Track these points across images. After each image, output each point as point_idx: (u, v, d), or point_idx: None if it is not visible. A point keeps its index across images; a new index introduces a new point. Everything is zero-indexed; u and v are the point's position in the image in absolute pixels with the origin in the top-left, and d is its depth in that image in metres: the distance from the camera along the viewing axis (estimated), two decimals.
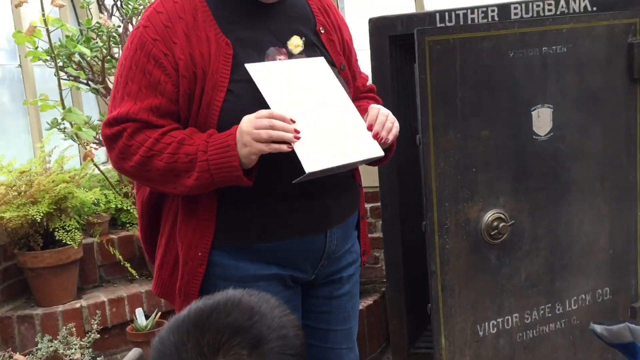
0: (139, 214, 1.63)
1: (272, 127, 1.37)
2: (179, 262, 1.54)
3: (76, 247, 2.81)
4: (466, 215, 2.10)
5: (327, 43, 1.61)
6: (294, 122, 1.40)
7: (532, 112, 2.16)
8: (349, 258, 1.68)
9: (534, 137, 2.17)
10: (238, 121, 1.41)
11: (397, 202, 2.46)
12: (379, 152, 1.51)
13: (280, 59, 1.51)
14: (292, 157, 1.39)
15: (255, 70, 1.44)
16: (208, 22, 1.47)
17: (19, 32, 2.63)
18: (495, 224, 2.12)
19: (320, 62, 1.56)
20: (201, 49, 1.45)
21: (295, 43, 1.55)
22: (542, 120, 2.18)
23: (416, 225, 2.29)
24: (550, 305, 2.25)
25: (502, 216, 2.13)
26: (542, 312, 2.24)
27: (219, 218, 1.50)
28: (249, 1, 1.52)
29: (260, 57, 1.49)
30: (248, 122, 1.39)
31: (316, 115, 1.46)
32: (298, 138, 1.38)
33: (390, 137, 1.55)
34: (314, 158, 1.39)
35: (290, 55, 1.53)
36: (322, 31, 1.60)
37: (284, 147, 1.38)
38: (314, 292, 1.66)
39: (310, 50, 1.57)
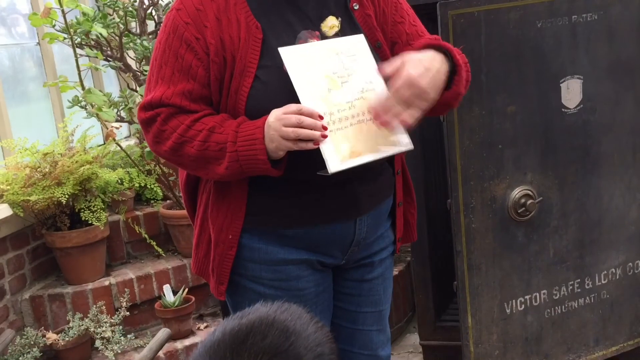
0: (182, 191, 1.65)
1: (300, 125, 1.33)
2: (212, 243, 1.54)
3: (102, 228, 2.83)
4: (492, 193, 2.06)
5: (362, 19, 1.52)
6: (322, 118, 1.36)
7: (561, 84, 2.09)
8: (381, 243, 1.65)
9: (563, 110, 2.10)
10: (265, 109, 1.38)
11: (422, 180, 2.43)
12: (408, 145, 1.46)
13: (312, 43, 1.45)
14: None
15: (289, 54, 1.38)
16: (239, 4, 1.43)
17: (35, 14, 2.59)
18: (522, 201, 2.07)
19: (358, 40, 1.47)
20: (231, 33, 1.41)
21: (331, 24, 1.48)
22: (572, 92, 2.10)
23: (441, 202, 2.26)
24: (579, 280, 2.21)
25: (530, 193, 2.09)
26: (570, 287, 2.21)
27: (249, 203, 1.49)
28: None
29: (292, 41, 1.44)
30: (275, 118, 1.35)
31: (347, 105, 1.41)
32: (325, 136, 1.35)
33: (397, 121, 1.36)
34: (339, 158, 1.36)
35: (324, 38, 1.47)
36: (356, 7, 1.52)
37: (310, 145, 1.35)
38: (345, 275, 1.64)
39: (347, 30, 1.49)
